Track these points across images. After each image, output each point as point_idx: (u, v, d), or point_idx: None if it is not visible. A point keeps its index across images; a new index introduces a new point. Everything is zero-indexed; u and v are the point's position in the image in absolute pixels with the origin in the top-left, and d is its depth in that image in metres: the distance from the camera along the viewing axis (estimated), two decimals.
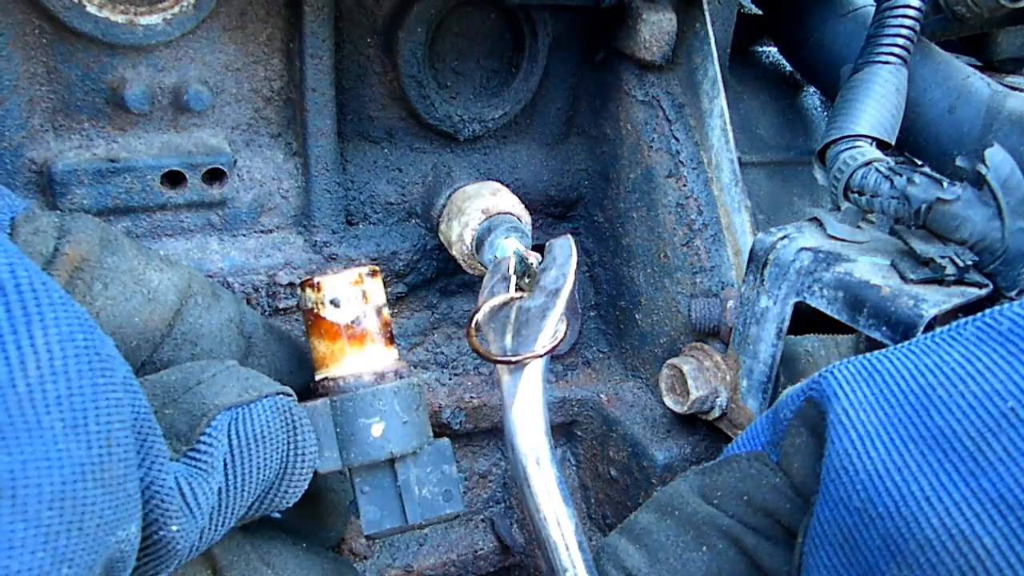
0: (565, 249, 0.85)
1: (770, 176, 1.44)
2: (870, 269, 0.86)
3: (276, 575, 0.75)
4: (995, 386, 0.50)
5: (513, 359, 0.76)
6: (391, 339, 0.83)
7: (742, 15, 1.39)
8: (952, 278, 0.83)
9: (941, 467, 0.50)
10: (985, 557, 0.47)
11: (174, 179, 0.98)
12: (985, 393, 0.50)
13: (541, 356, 0.76)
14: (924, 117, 1.20)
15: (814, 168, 1.10)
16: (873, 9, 1.16)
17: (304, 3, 0.97)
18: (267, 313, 1.08)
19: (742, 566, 0.67)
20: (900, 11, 1.08)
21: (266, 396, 0.68)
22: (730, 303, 1.04)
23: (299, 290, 0.82)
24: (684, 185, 1.14)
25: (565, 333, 0.78)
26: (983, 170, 0.83)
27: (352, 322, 0.80)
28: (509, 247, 1.00)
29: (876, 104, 1.05)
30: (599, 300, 1.33)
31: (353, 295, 0.81)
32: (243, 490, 0.64)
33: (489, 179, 1.16)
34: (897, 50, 1.08)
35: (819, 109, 1.55)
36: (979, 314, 0.54)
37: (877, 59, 1.08)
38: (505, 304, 0.83)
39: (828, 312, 0.87)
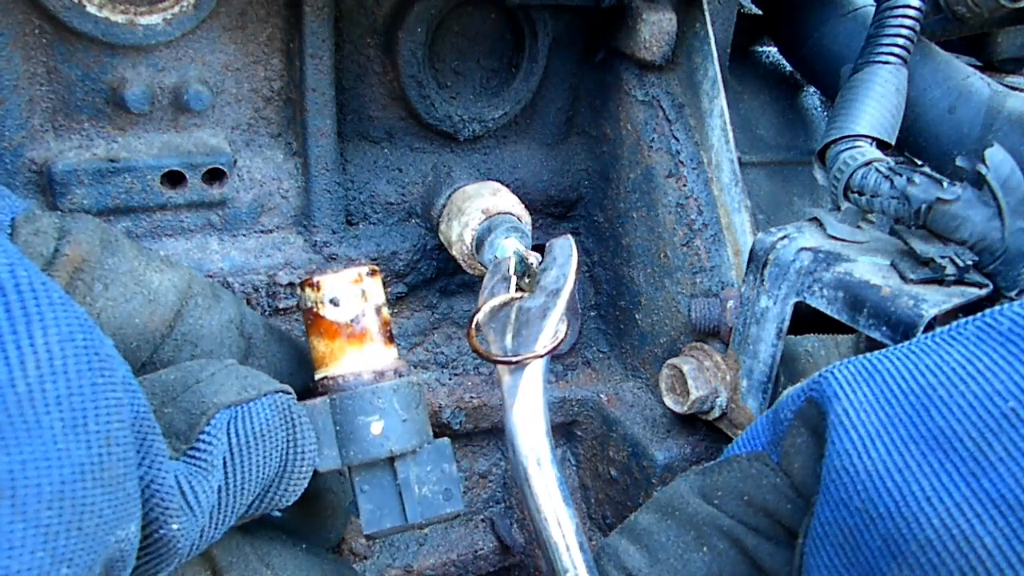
0: (565, 249, 0.85)
1: (770, 176, 1.44)
2: (870, 269, 0.86)
3: None
4: (996, 386, 0.50)
5: (513, 359, 0.76)
6: (390, 338, 0.83)
7: (742, 15, 1.39)
8: (952, 278, 0.83)
9: (942, 467, 0.50)
10: (986, 557, 0.47)
11: (174, 179, 0.98)
12: (986, 393, 0.50)
13: (542, 356, 0.76)
14: (924, 117, 1.20)
15: (814, 168, 1.10)
16: (873, 9, 1.16)
17: (304, 3, 0.97)
18: (267, 313, 1.08)
19: (743, 566, 0.67)
20: (900, 11, 1.08)
21: (265, 394, 0.68)
22: (730, 303, 1.04)
23: (299, 289, 0.82)
24: (684, 185, 1.14)
25: (565, 333, 0.78)
26: (983, 170, 0.83)
27: (351, 321, 0.80)
28: (509, 247, 1.00)
29: (876, 104, 1.05)
30: (599, 300, 1.33)
31: (352, 294, 0.81)
32: (243, 488, 0.64)
33: (489, 179, 1.16)
34: (897, 50, 1.08)
35: (819, 109, 1.55)
36: (979, 314, 0.54)
37: (877, 59, 1.08)
38: (505, 304, 0.83)
39: (828, 312, 0.87)
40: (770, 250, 0.93)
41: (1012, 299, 0.85)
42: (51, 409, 0.45)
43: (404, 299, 1.21)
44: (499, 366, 0.77)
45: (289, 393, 0.71)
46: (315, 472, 0.73)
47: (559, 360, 1.31)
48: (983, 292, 0.84)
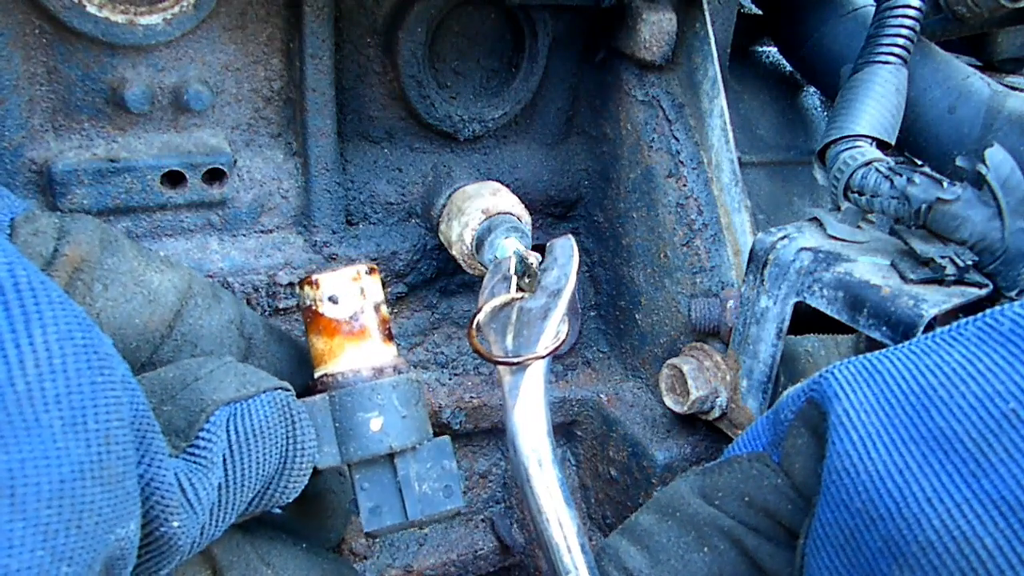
0: (566, 249, 0.85)
1: (770, 176, 1.44)
2: (870, 269, 0.86)
3: (276, 575, 0.75)
4: (996, 387, 0.50)
5: (515, 360, 0.76)
6: (389, 336, 0.83)
7: (742, 15, 1.39)
8: (952, 278, 0.83)
9: (942, 468, 0.50)
10: (987, 559, 0.47)
11: (174, 179, 0.98)
12: (986, 394, 0.50)
13: (543, 357, 0.76)
14: (924, 117, 1.20)
15: (814, 168, 1.10)
16: (873, 9, 1.16)
17: (304, 3, 0.97)
18: (267, 313, 1.08)
19: (743, 567, 0.67)
20: (900, 11, 1.08)
21: (264, 391, 0.68)
22: (730, 303, 1.04)
23: (298, 288, 0.82)
24: (684, 185, 1.14)
25: (566, 334, 0.78)
26: (983, 170, 0.83)
27: (350, 318, 0.80)
28: (509, 247, 1.00)
29: (876, 104, 1.05)
30: (599, 300, 1.33)
31: (351, 292, 0.81)
32: (243, 485, 0.64)
33: (489, 179, 1.16)
34: (897, 50, 1.08)
35: (819, 109, 1.55)
36: (980, 314, 0.54)
37: (877, 59, 1.08)
38: (506, 305, 0.83)
39: (828, 312, 0.87)
40: (770, 250, 0.93)
41: (1012, 299, 0.85)
42: (50, 408, 0.45)
43: (404, 299, 1.21)
44: (500, 367, 0.77)
45: (288, 390, 0.71)
46: (315, 470, 0.73)
47: (559, 360, 1.30)
48: (983, 292, 0.84)
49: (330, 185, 1.08)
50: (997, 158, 0.83)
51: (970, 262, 0.84)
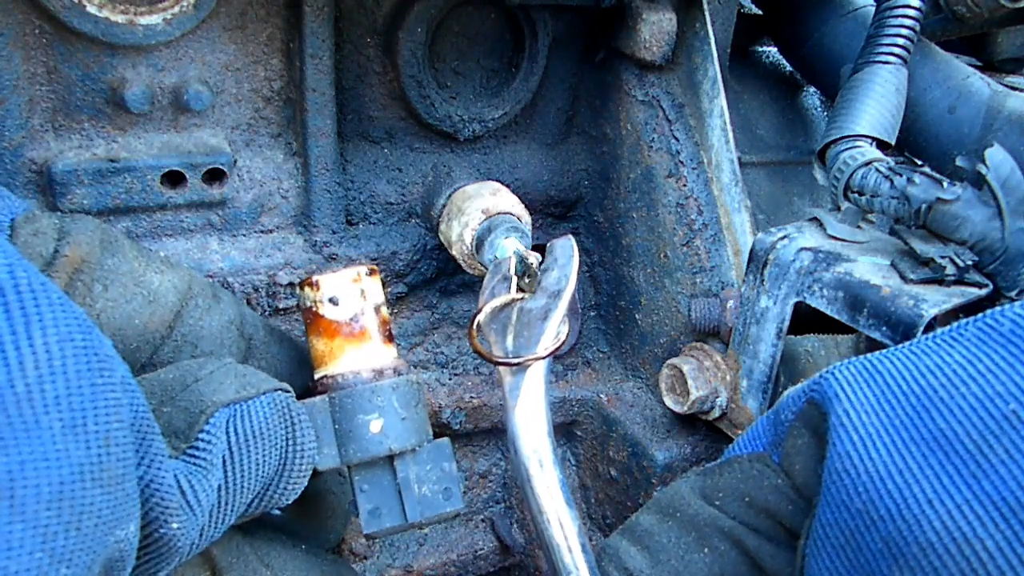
0: (567, 250, 0.85)
1: (770, 176, 1.44)
2: (870, 269, 0.86)
3: None
4: (997, 388, 0.50)
5: (515, 361, 0.76)
6: (390, 337, 0.83)
7: (742, 15, 1.39)
8: (952, 278, 0.83)
9: (943, 469, 0.50)
10: (987, 560, 0.47)
11: (174, 179, 0.98)
12: (987, 395, 0.50)
13: (543, 358, 0.76)
14: (924, 117, 1.20)
15: (814, 168, 1.10)
16: (873, 9, 1.16)
17: (304, 3, 0.97)
18: (267, 313, 1.08)
19: (744, 567, 0.67)
20: (900, 11, 1.08)
21: (264, 392, 0.68)
22: (730, 303, 1.04)
23: (298, 289, 0.82)
24: (684, 185, 1.14)
25: (567, 334, 0.78)
26: (983, 170, 0.83)
27: (350, 320, 0.80)
28: (509, 247, 1.00)
29: (876, 104, 1.05)
30: (599, 300, 1.33)
31: (351, 293, 0.81)
32: (242, 487, 0.64)
33: (489, 179, 1.16)
34: (897, 50, 1.08)
35: (819, 109, 1.55)
36: (980, 315, 0.54)
37: (877, 59, 1.08)
38: (506, 305, 0.83)
39: (828, 312, 0.87)
40: (770, 250, 0.93)
41: (1012, 299, 0.85)
42: (50, 409, 0.45)
43: (404, 299, 1.21)
44: (500, 367, 0.77)
45: (288, 391, 0.71)
46: (315, 471, 0.73)
47: (559, 360, 1.30)
48: (983, 292, 0.84)
49: (330, 185, 1.08)
50: (997, 158, 0.83)
51: (970, 262, 0.83)
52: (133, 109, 0.94)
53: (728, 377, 1.02)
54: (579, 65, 1.24)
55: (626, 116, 1.20)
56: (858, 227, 0.97)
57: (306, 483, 0.72)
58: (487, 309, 0.83)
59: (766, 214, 1.39)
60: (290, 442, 0.69)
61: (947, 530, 0.48)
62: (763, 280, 0.94)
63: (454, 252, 1.09)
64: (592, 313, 1.34)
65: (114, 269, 0.69)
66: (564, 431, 1.29)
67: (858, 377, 0.58)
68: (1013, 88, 1.18)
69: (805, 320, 0.93)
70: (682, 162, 1.15)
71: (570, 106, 1.27)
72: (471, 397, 1.21)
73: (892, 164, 0.95)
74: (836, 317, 0.86)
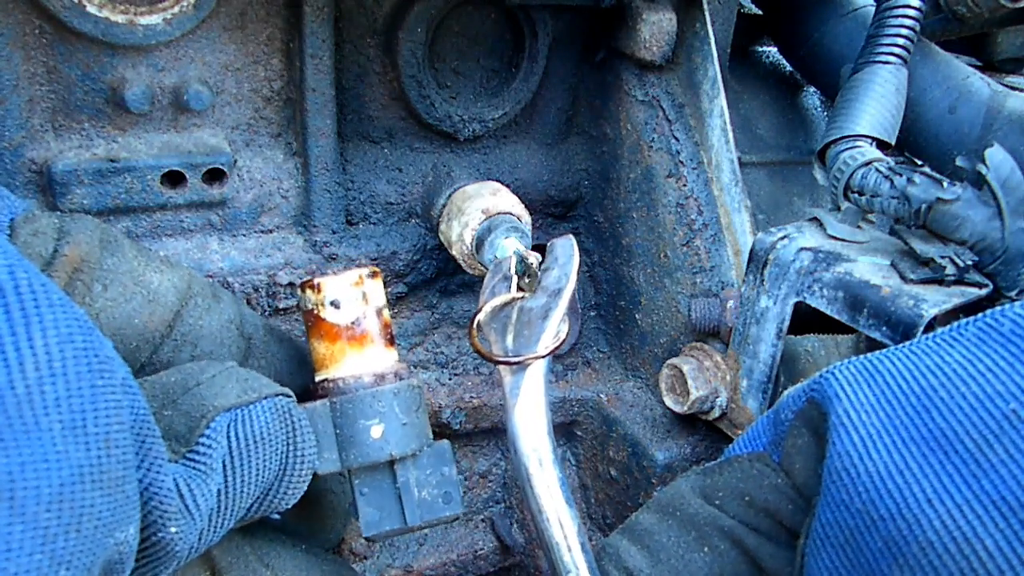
0: (567, 249, 0.85)
1: (770, 176, 1.44)
2: (870, 269, 0.86)
3: None
4: (997, 388, 0.50)
5: (515, 360, 0.76)
6: (391, 340, 0.83)
7: (742, 15, 1.39)
8: (952, 278, 0.83)
9: (943, 469, 0.50)
10: (987, 559, 0.47)
11: (174, 179, 0.98)
12: (987, 395, 0.50)
13: (543, 357, 0.76)
14: (924, 117, 1.20)
15: (814, 168, 1.10)
16: (873, 9, 1.16)
17: (304, 3, 0.97)
18: (267, 313, 1.08)
19: (744, 567, 0.67)
20: (900, 11, 1.08)
21: (265, 397, 0.67)
22: (730, 303, 1.04)
23: (299, 291, 0.82)
24: (684, 185, 1.14)
25: (567, 334, 0.78)
26: (983, 170, 0.83)
27: (352, 323, 0.80)
28: (509, 247, 1.00)
29: (876, 104, 1.05)
30: (599, 300, 1.33)
31: (353, 296, 0.81)
32: (242, 492, 0.64)
33: (489, 179, 1.16)
34: (897, 50, 1.08)
35: (819, 109, 1.55)
36: (980, 315, 0.54)
37: (877, 59, 1.08)
38: (507, 304, 0.83)
39: (828, 312, 0.87)
40: (770, 250, 0.93)
41: (1012, 299, 0.85)
42: (50, 411, 0.45)
43: (404, 299, 1.21)
44: (500, 366, 0.77)
45: (289, 396, 0.71)
46: (315, 474, 0.73)
47: (559, 360, 1.30)
48: (983, 292, 0.84)
49: (330, 185, 1.08)
50: (997, 158, 0.83)
51: (970, 262, 0.83)
52: (133, 109, 0.94)
53: (728, 377, 1.02)
54: (579, 65, 1.24)
55: (626, 116, 1.20)
56: (858, 227, 0.97)
57: (306, 488, 0.72)
58: (487, 308, 0.83)
59: (766, 214, 1.40)
60: (291, 447, 0.69)
61: (947, 530, 0.48)
62: (763, 280, 0.94)
63: (454, 252, 1.09)
64: (592, 313, 1.34)
65: (114, 269, 0.69)
66: (564, 431, 1.29)
67: (858, 377, 0.58)
68: (1013, 88, 1.18)
69: (805, 320, 0.93)
70: (682, 162, 1.15)
71: (570, 106, 1.27)
72: (471, 397, 1.21)
73: (892, 164, 0.95)
74: (836, 317, 0.86)
